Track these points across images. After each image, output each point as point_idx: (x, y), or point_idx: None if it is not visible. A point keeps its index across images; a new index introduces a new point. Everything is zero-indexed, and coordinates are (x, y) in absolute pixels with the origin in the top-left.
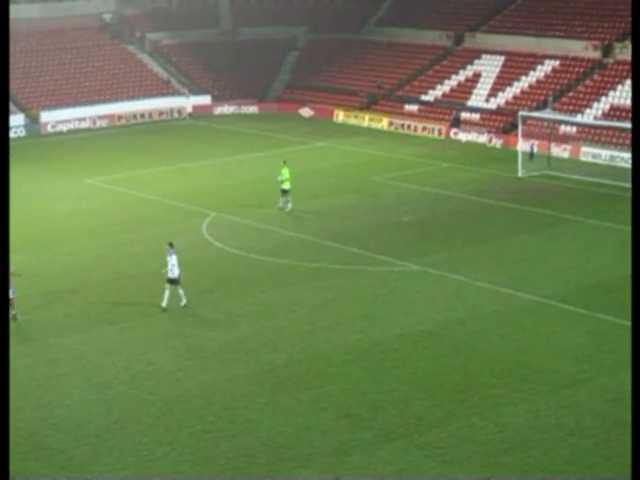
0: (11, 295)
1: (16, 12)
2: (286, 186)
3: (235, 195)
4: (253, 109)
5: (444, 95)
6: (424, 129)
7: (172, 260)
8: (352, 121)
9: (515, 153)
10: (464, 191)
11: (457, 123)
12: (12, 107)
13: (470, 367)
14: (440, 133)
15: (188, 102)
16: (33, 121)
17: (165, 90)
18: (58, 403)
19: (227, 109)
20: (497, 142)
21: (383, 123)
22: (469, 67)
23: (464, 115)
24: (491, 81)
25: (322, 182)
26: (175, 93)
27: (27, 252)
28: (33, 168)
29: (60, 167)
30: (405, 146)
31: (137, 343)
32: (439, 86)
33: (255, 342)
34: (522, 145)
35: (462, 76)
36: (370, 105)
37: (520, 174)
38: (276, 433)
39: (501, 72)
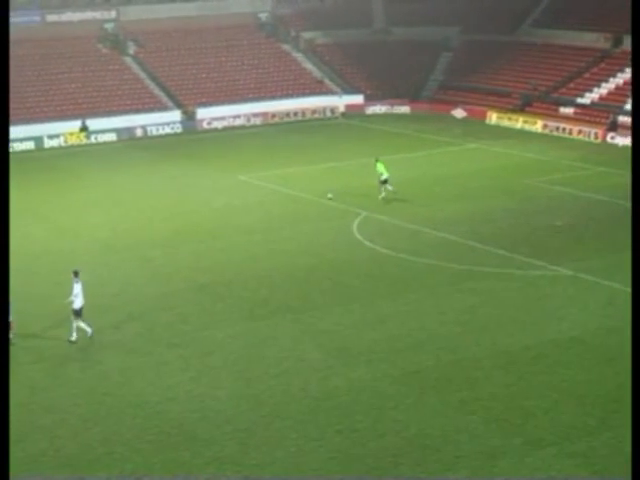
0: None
1: (173, 11)
2: (384, 176)
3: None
4: (405, 109)
5: (601, 98)
6: (579, 132)
7: (76, 289)
8: (505, 123)
9: None
10: (620, 197)
11: (614, 127)
12: (169, 103)
13: (623, 376)
14: (596, 137)
15: (341, 101)
16: (189, 117)
17: (318, 89)
18: (209, 396)
19: (379, 109)
20: None
21: (537, 125)
22: (628, 70)
23: (621, 119)
24: None
25: (473, 184)
26: (328, 92)
27: (180, 245)
28: (188, 163)
29: (214, 163)
30: (559, 149)
31: (287, 339)
32: (596, 89)
33: (403, 342)
34: None
35: (620, 79)
36: (524, 107)
37: None
38: (423, 435)
39: None
